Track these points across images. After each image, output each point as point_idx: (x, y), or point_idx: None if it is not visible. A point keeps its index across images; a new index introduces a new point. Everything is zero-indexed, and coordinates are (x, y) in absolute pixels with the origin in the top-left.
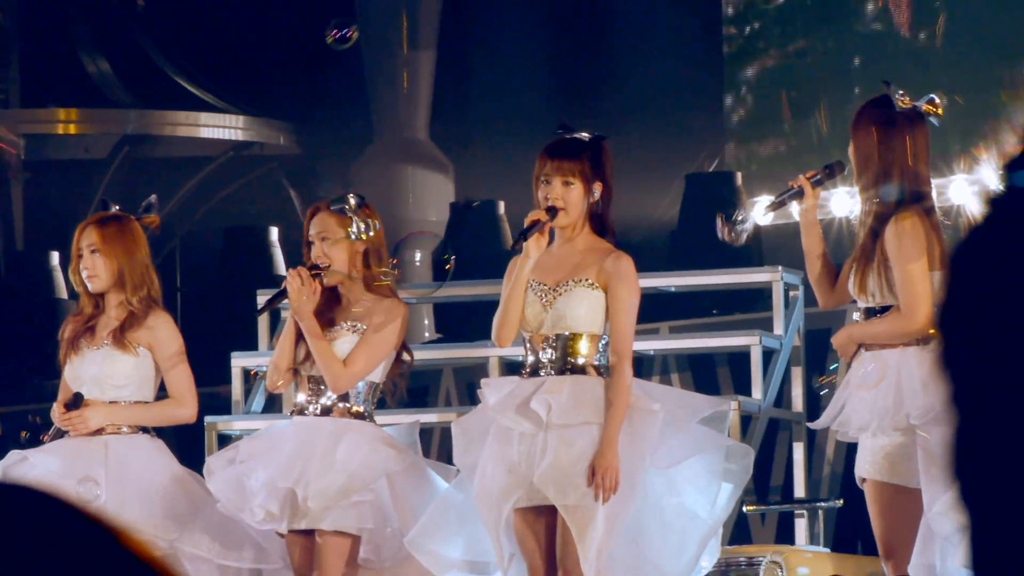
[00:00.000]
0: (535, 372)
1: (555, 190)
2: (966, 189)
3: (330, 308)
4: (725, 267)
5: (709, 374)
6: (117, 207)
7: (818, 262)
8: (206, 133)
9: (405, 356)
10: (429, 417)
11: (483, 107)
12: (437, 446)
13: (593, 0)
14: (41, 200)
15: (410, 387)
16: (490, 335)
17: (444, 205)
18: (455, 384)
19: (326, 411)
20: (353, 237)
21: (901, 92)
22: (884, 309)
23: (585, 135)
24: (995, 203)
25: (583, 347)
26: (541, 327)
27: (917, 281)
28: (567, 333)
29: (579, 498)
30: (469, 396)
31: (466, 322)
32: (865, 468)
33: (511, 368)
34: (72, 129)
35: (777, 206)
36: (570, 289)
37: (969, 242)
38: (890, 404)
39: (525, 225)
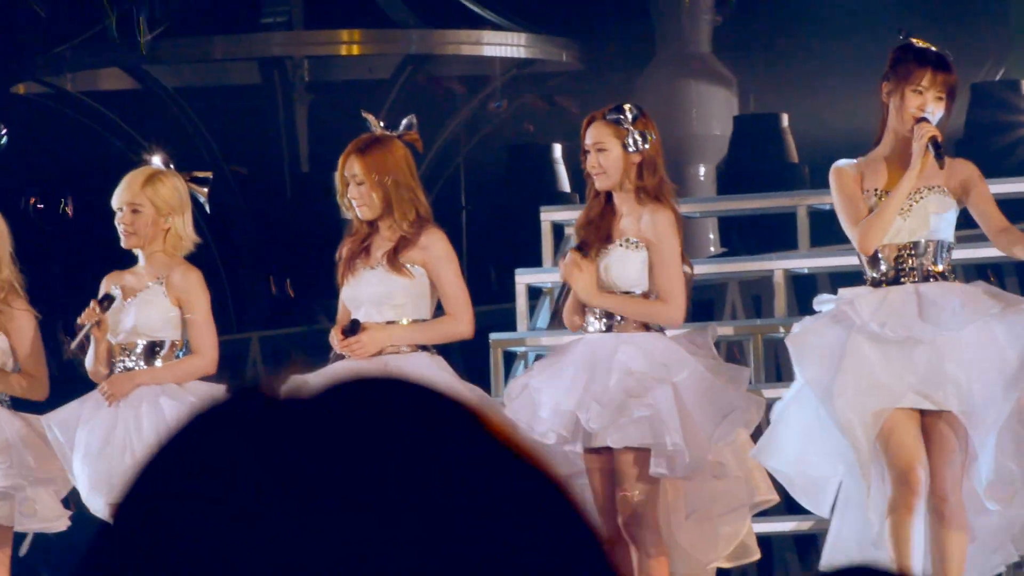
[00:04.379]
0: (895, 281)
1: (929, 103)
2: None
3: (605, 221)
4: (1012, 176)
5: (997, 284)
6: (381, 124)
7: None
8: (488, 52)
9: (686, 268)
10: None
11: (766, 19)
12: (723, 359)
13: None
14: (325, 121)
15: (697, 300)
16: (772, 247)
17: (728, 119)
18: (740, 297)
19: (609, 327)
20: (629, 148)
21: None
22: None
23: (944, 52)
24: None
25: (938, 253)
26: (895, 235)
27: None
28: (923, 240)
29: (982, 406)
30: (755, 309)
31: (750, 235)
32: None
33: (797, 280)
34: (355, 50)
35: None
36: (924, 196)
37: None
38: None
39: (926, 142)
